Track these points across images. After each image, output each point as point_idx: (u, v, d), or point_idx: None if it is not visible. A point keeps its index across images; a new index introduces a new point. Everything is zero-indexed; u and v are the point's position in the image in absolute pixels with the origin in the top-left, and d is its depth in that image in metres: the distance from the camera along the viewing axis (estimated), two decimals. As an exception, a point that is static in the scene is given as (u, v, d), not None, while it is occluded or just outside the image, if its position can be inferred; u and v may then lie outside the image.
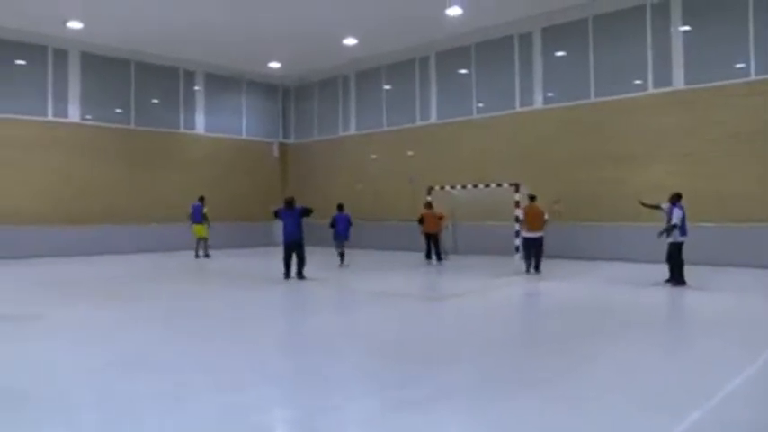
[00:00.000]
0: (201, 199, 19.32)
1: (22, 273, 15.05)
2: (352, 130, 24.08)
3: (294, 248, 13.16)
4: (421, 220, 17.08)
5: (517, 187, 16.92)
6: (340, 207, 16.74)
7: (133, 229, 21.29)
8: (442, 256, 17.21)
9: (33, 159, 19.59)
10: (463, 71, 20.49)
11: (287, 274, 13.13)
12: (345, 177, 23.74)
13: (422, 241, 17.44)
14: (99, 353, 6.61)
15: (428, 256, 17.06)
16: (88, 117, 20.98)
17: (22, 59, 19.75)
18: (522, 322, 8.94)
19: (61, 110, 20.37)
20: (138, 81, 22.08)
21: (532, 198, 14.93)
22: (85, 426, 4.38)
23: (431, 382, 5.37)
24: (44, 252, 19.03)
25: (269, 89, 26.00)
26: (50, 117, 20.15)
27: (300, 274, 13.10)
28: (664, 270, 12.33)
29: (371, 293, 11.30)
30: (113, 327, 8.21)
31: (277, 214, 13.49)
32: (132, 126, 21.93)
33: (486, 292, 11.31)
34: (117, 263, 17.55)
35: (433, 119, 21.31)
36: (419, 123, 21.69)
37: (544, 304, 10.42)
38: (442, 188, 19.32)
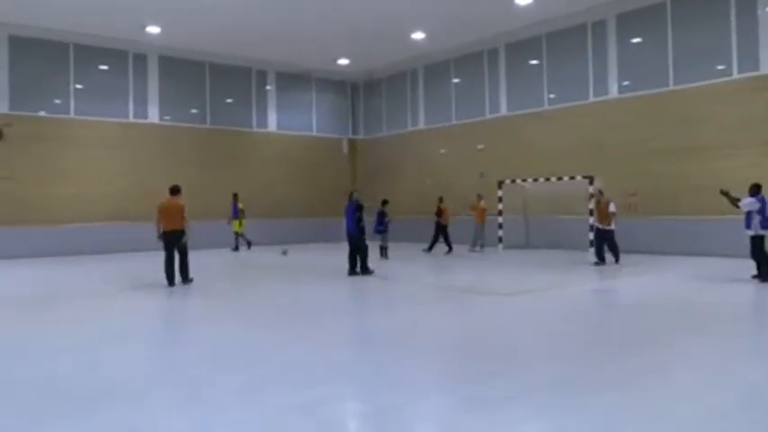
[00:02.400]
0: (236, 196, 20.72)
1: (103, 268, 15.71)
2: (421, 125, 23.97)
3: (351, 243, 13.05)
4: (439, 213, 18.44)
5: (591, 180, 16.52)
6: (383, 202, 16.95)
7: (207, 226, 21.78)
8: (452, 247, 18.48)
9: (115, 159, 20.52)
10: (534, 62, 20.03)
11: (351, 270, 13.01)
12: (414, 172, 23.68)
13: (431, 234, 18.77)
14: (181, 349, 6.79)
15: (430, 248, 18.50)
16: (166, 117, 21.76)
17: (105, 64, 20.68)
18: (598, 320, 8.62)
19: (141, 111, 21.22)
20: (212, 82, 22.72)
21: (600, 192, 14.72)
22: (167, 421, 4.49)
23: (504, 380, 5.22)
24: (122, 248, 19.81)
25: (337, 86, 26.23)
26: (131, 118, 21.03)
27: (364, 268, 12.94)
28: (747, 266, 11.68)
29: (439, 288, 11.18)
30: (192, 323, 8.43)
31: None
32: (207, 125, 22.60)
33: (560, 287, 11.00)
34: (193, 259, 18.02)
35: (503, 111, 20.94)
36: (489, 116, 21.35)
37: (621, 301, 10.04)
38: (513, 182, 19.07)
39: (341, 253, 17.74)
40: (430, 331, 7.53)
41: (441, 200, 18.78)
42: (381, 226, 16.50)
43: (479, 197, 18.67)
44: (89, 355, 6.35)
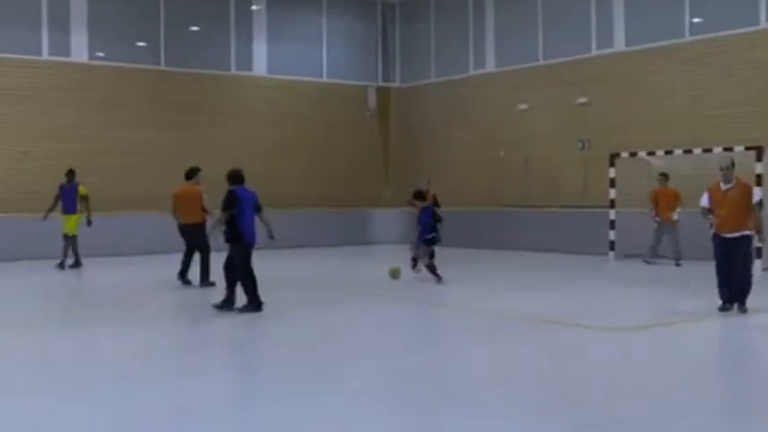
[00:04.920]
0: (72, 174, 18.04)
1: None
2: (490, 66, 23.88)
3: (244, 255, 12.15)
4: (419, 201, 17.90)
5: (759, 152, 16.47)
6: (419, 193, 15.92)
7: (159, 219, 20.41)
8: None
9: (21, 117, 20.48)
10: (668, -33, 19.87)
11: (257, 303, 11.60)
12: (478, 139, 23.58)
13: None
14: (140, 400, 6.84)
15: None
16: (99, 55, 21.87)
17: (7, -27, 20.84)
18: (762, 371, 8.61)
19: (61, 46, 21.27)
20: (169, 1, 22.72)
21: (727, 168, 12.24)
22: None
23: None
24: (21, 254, 19.50)
25: (362, 6, 26.23)
26: (46, 56, 21.09)
27: (254, 303, 11.54)
28: None
29: (520, 319, 11.31)
30: (147, 366, 8.50)
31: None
32: (162, 67, 22.70)
33: (703, 320, 11.18)
34: (129, 268, 18.08)
35: (619, 45, 20.85)
36: (596, 53, 21.31)
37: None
38: (633, 155, 18.95)
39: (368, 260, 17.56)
40: (508, 380, 7.66)
41: (428, 183, 18.09)
42: (436, 231, 15.11)
43: (664, 176, 18.15)
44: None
